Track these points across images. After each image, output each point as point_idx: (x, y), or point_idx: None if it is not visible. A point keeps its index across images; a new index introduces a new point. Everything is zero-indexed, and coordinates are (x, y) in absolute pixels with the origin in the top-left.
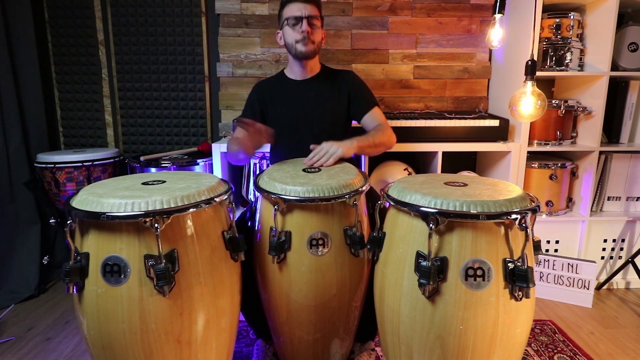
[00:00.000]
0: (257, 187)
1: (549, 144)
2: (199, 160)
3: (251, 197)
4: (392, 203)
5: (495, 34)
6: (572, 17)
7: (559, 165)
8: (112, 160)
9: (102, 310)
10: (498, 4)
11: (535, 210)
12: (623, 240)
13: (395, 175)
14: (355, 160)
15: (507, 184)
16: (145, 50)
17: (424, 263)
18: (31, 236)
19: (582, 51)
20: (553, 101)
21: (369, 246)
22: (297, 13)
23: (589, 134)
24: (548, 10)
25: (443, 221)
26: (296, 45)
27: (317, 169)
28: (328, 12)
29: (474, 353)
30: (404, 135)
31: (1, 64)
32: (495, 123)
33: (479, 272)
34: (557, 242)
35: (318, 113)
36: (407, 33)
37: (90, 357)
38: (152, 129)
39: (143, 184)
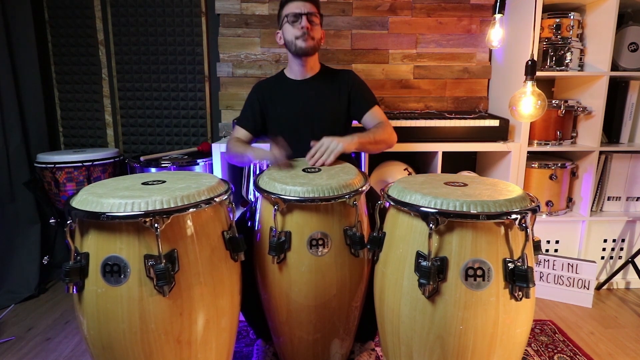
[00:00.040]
0: (257, 187)
1: (549, 144)
2: (199, 160)
3: (251, 197)
4: (392, 203)
5: (495, 34)
6: (572, 17)
7: (559, 165)
8: (112, 160)
9: (102, 310)
10: (498, 4)
11: (535, 210)
12: (623, 240)
13: (395, 175)
14: (355, 160)
15: (507, 184)
16: (145, 50)
17: (424, 263)
18: (31, 236)
19: (582, 51)
20: (553, 101)
21: (369, 246)
22: (296, 10)
23: (589, 134)
24: (548, 10)
25: (443, 221)
26: (296, 42)
27: (317, 169)
28: (328, 12)
29: (474, 353)
30: (404, 135)
31: (1, 64)
32: (495, 123)
33: (479, 272)
34: (557, 242)
35: (318, 113)
36: (407, 33)
37: (90, 357)
38: (152, 129)
39: (143, 184)
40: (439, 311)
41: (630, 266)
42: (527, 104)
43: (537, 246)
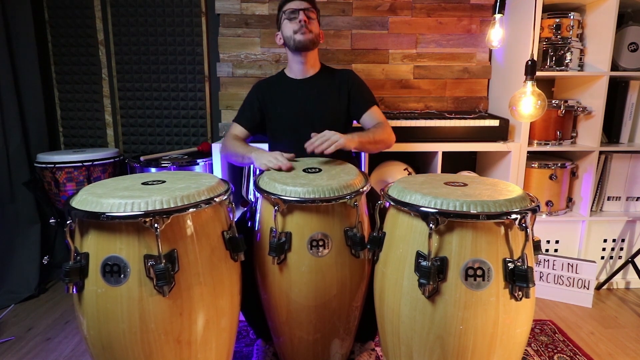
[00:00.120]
0: (257, 188)
1: (549, 144)
2: (199, 160)
3: (251, 197)
4: (392, 203)
5: (495, 34)
6: (572, 17)
7: (559, 165)
8: (112, 160)
9: (102, 310)
10: (498, 4)
11: (535, 210)
12: (623, 240)
13: (395, 175)
14: (355, 160)
15: (507, 184)
16: (145, 50)
17: (424, 263)
18: (31, 236)
19: (582, 51)
20: (553, 101)
21: (369, 246)
22: (293, 6)
23: (589, 134)
24: (548, 10)
25: (443, 221)
26: (294, 36)
27: (317, 169)
28: (328, 12)
29: (474, 353)
30: (404, 135)
31: (1, 64)
32: (495, 123)
33: (479, 272)
34: (557, 242)
35: (319, 112)
36: (407, 33)
37: (90, 357)
38: (152, 129)
39: (143, 184)
40: (439, 311)
41: (630, 266)
42: (527, 104)
43: (537, 246)
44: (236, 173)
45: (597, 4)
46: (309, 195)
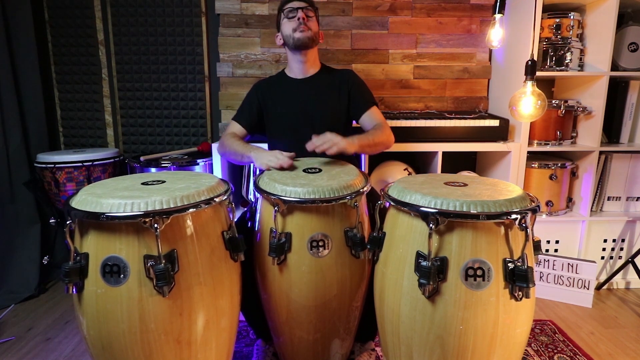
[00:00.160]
0: (257, 188)
1: (549, 144)
2: (199, 160)
3: (251, 197)
4: (392, 203)
5: (495, 34)
6: (572, 17)
7: (559, 165)
8: (112, 160)
9: (102, 310)
10: (498, 4)
11: (535, 210)
12: (623, 240)
13: (395, 175)
14: (355, 160)
15: (507, 184)
16: (145, 50)
17: (424, 263)
18: (31, 236)
19: (582, 51)
20: (553, 101)
21: (369, 246)
22: (292, 5)
23: (589, 134)
24: (548, 10)
25: (443, 221)
26: (293, 34)
27: (317, 170)
28: (328, 12)
29: (474, 353)
30: (404, 135)
31: (1, 64)
32: (495, 123)
33: (479, 272)
34: (557, 242)
35: (319, 111)
36: (407, 33)
37: (90, 357)
38: (152, 129)
39: (143, 184)
40: (439, 311)
41: (630, 266)
42: (527, 104)
43: (537, 246)
44: (236, 173)
45: (597, 4)
46: (309, 195)
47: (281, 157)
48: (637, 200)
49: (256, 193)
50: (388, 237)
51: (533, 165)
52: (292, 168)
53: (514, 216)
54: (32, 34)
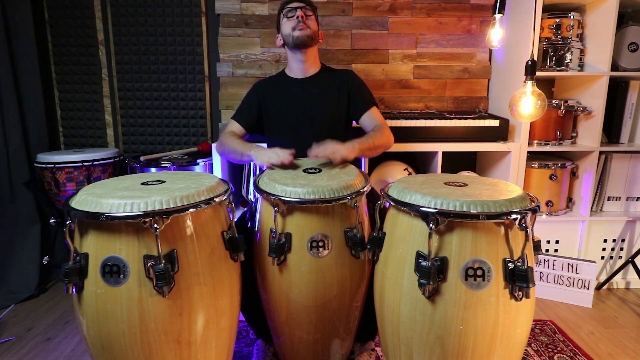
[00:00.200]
0: (257, 188)
1: (549, 144)
2: (199, 160)
3: (251, 197)
4: (392, 203)
5: (495, 34)
6: (572, 17)
7: (559, 165)
8: (112, 160)
9: (102, 310)
10: (498, 4)
11: (535, 210)
12: (623, 240)
13: (395, 175)
14: (355, 160)
15: (507, 184)
16: (145, 50)
17: (424, 263)
18: (31, 236)
19: (582, 51)
20: (553, 101)
21: (369, 246)
22: (291, 6)
23: (589, 134)
24: (548, 10)
25: (443, 221)
26: (293, 33)
27: (317, 170)
28: (328, 12)
29: (474, 353)
30: (404, 135)
31: (1, 64)
32: (495, 123)
33: (479, 272)
34: (557, 242)
35: (319, 111)
36: (407, 33)
37: (90, 357)
38: (152, 129)
39: (142, 184)
40: (439, 311)
41: (630, 266)
42: (527, 104)
43: (537, 246)
44: (236, 173)
45: (597, 4)
46: (309, 196)
47: (282, 154)
48: (637, 200)
49: (256, 193)
50: (388, 237)
51: (533, 165)
52: (293, 166)
53: (514, 216)
54: (32, 34)
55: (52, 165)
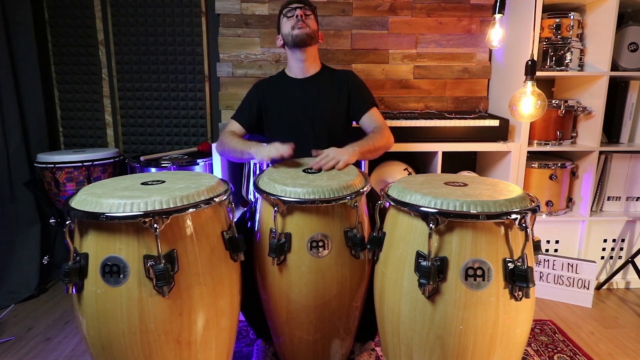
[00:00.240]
0: (257, 188)
1: (549, 144)
2: (199, 160)
3: (251, 197)
4: (392, 203)
5: (495, 34)
6: (572, 17)
7: (559, 165)
8: (112, 160)
9: (102, 310)
10: (498, 4)
11: (535, 210)
12: (623, 240)
13: (395, 175)
14: (355, 161)
15: (507, 184)
16: (145, 50)
17: (424, 263)
18: (31, 236)
19: (582, 51)
20: (553, 101)
21: (369, 246)
22: (292, 6)
23: (589, 134)
24: (548, 10)
25: (443, 221)
26: (292, 32)
27: (317, 170)
28: (328, 12)
29: (474, 353)
30: (404, 135)
31: (1, 64)
32: (495, 123)
33: (479, 272)
34: (557, 242)
35: (319, 111)
36: (407, 33)
37: (90, 357)
38: (152, 129)
39: (142, 184)
40: (439, 311)
41: (630, 266)
42: (527, 104)
43: (537, 246)
44: (236, 173)
45: (597, 4)
46: (308, 196)
47: (281, 147)
48: (637, 200)
49: (256, 193)
50: (388, 237)
51: (533, 165)
52: (294, 164)
53: (514, 216)
54: (32, 34)
55: (52, 165)
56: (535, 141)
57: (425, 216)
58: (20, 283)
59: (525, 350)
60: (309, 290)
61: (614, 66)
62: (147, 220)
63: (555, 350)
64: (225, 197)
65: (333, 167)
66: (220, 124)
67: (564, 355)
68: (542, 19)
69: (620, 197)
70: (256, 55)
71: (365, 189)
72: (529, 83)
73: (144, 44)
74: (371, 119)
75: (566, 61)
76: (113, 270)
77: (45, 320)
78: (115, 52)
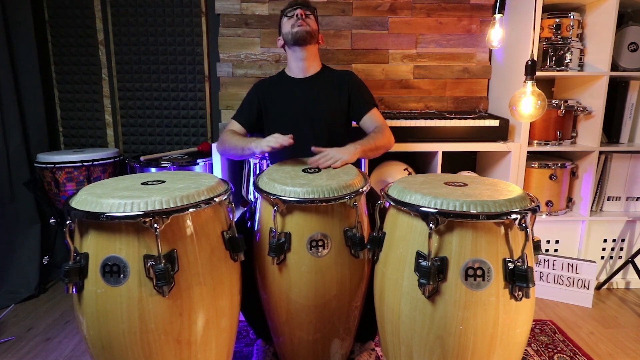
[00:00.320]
0: (257, 188)
1: (549, 144)
2: (199, 160)
3: (251, 197)
4: (392, 203)
5: (495, 34)
6: (572, 17)
7: (559, 165)
8: (112, 160)
9: (102, 310)
10: (498, 4)
11: (535, 210)
12: (623, 240)
13: (395, 175)
14: (355, 160)
15: (507, 184)
16: (145, 50)
17: (424, 263)
18: (31, 236)
19: (582, 51)
20: (553, 101)
21: (369, 246)
22: (292, 6)
23: (589, 134)
24: (548, 10)
25: (443, 221)
26: (292, 30)
27: (317, 169)
28: (328, 12)
29: (474, 353)
30: (404, 135)
31: (1, 64)
32: (495, 123)
33: (478, 272)
34: (557, 242)
35: (319, 111)
36: (407, 33)
37: (90, 357)
38: (152, 129)
39: (142, 184)
40: (439, 311)
41: (630, 266)
42: (527, 104)
43: (537, 246)
44: (236, 173)
45: (597, 4)
46: (308, 195)
47: (280, 138)
48: (637, 200)
49: (256, 193)
50: (388, 237)
51: (533, 165)
52: (296, 162)
53: (513, 216)
54: (32, 34)
55: (52, 165)
56: (535, 141)
57: (425, 216)
58: (20, 283)
59: (525, 350)
60: (309, 290)
61: (614, 66)
62: (147, 220)
63: (555, 350)
64: (225, 197)
65: (333, 166)
66: (220, 124)
67: (564, 355)
68: (542, 19)
69: (620, 197)
70: (256, 55)
71: (364, 188)
72: (529, 83)
73: (144, 44)
74: (372, 119)
75: (566, 61)
76: (113, 270)
77: (45, 320)
78: (115, 52)
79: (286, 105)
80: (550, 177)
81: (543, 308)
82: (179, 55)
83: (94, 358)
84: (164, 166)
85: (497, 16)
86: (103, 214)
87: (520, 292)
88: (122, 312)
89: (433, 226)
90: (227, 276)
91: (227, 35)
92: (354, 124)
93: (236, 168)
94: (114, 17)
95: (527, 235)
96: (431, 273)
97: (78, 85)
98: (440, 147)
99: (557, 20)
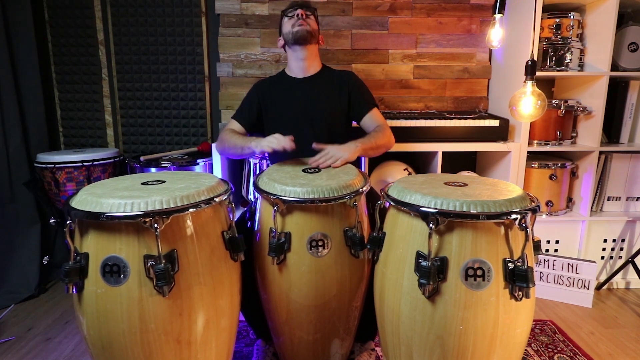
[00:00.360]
0: (257, 188)
1: (549, 144)
2: (199, 160)
3: (251, 197)
4: (392, 203)
5: (495, 34)
6: (572, 17)
7: (559, 165)
8: (112, 160)
9: (102, 310)
10: (498, 4)
11: (535, 210)
12: (623, 240)
13: (395, 175)
14: (355, 160)
15: (507, 184)
16: (145, 50)
17: (424, 263)
18: (31, 236)
19: (582, 51)
20: (553, 101)
21: (369, 246)
22: (292, 7)
23: (589, 134)
24: (548, 10)
25: (443, 221)
26: (292, 29)
27: (317, 169)
28: (328, 12)
29: (474, 353)
30: (404, 135)
31: (1, 64)
32: (495, 123)
33: (479, 272)
34: (557, 242)
35: (319, 111)
36: (407, 33)
37: (90, 357)
38: (152, 129)
39: (143, 184)
40: (439, 311)
41: (630, 266)
42: (527, 104)
43: (537, 246)
44: (236, 173)
45: (597, 4)
46: (308, 195)
47: (282, 139)
48: (637, 200)
49: (256, 193)
50: (388, 237)
51: (533, 165)
52: (296, 162)
53: (514, 216)
54: (32, 34)
55: (52, 165)
56: (535, 141)
57: (425, 216)
58: (20, 283)
59: (525, 350)
60: (309, 290)
61: (614, 66)
62: (147, 220)
63: (555, 351)
64: (225, 197)
65: (333, 165)
66: (220, 124)
67: (564, 355)
68: (542, 19)
69: (620, 197)
70: (256, 55)
71: (364, 188)
72: (529, 83)
73: (144, 44)
74: (372, 119)
75: (566, 61)
76: (113, 270)
77: (45, 320)
78: (115, 52)
79: (286, 105)
80: (550, 177)
81: (543, 308)
82: (179, 55)
83: (94, 358)
84: (164, 166)
85: (497, 16)
86: (103, 214)
87: (520, 292)
88: (122, 312)
89: (433, 226)
90: (227, 276)
91: (227, 35)
92: (354, 124)
93: (236, 168)
94: (114, 17)
95: (527, 235)
96: (431, 273)
97: (78, 85)
98: (440, 147)
99: (557, 20)
